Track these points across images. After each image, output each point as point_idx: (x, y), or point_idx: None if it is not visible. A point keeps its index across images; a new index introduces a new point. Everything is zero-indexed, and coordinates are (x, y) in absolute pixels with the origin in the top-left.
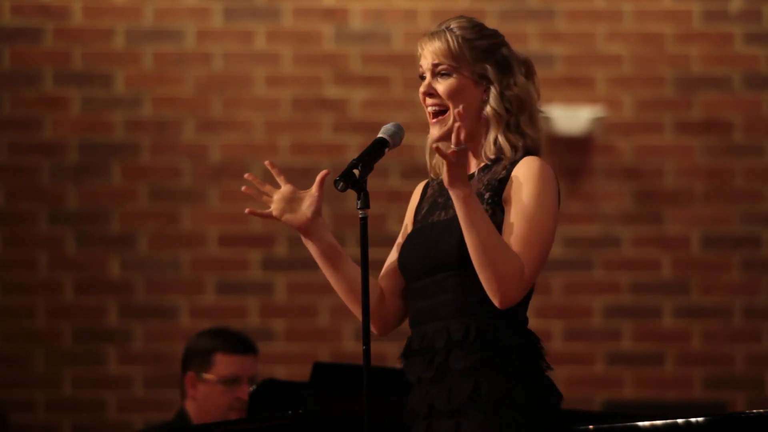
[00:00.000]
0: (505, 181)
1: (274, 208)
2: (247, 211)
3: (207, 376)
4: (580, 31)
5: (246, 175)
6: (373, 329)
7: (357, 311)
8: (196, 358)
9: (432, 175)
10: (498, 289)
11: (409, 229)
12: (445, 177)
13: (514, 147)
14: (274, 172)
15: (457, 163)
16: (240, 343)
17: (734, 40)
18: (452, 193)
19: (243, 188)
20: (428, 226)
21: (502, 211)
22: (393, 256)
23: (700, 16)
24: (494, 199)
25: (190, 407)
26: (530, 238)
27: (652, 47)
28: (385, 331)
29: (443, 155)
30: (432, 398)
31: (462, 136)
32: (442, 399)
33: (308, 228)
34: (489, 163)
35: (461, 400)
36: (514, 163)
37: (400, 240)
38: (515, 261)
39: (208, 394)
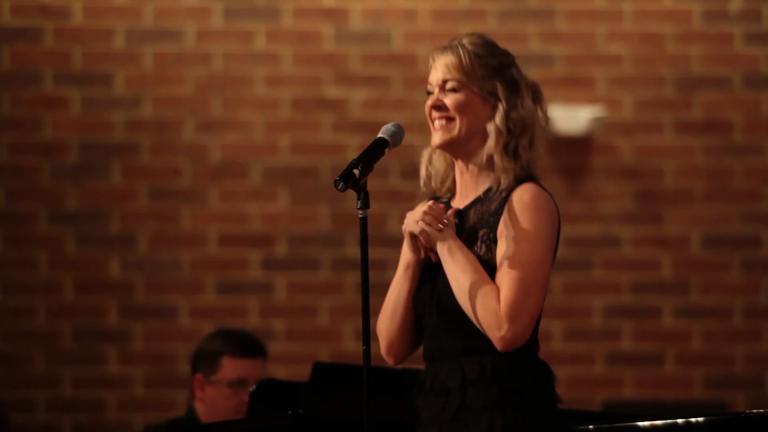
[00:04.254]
0: (499, 213)
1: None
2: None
3: (214, 378)
4: (580, 31)
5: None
6: (392, 359)
7: (395, 346)
8: (204, 360)
9: (423, 187)
10: (486, 333)
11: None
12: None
13: (506, 170)
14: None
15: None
16: (247, 347)
17: (734, 40)
18: (435, 244)
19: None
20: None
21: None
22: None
23: (700, 16)
24: (489, 235)
25: (199, 408)
26: (515, 272)
27: (652, 47)
28: (401, 362)
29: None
30: None
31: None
32: None
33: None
34: (489, 188)
35: None
36: (509, 191)
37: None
38: (491, 303)
39: (215, 396)
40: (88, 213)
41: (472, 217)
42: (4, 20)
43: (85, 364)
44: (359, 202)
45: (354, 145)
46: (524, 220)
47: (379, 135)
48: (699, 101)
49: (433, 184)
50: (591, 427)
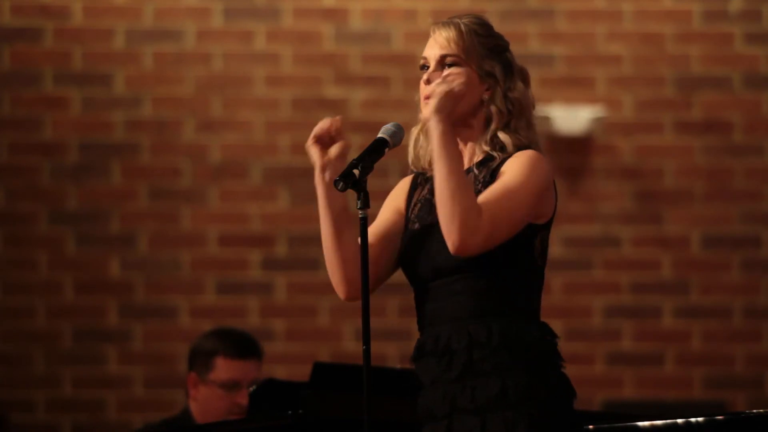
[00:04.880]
0: (497, 172)
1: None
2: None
3: (207, 378)
4: (580, 31)
5: (338, 117)
6: (340, 291)
7: (336, 276)
8: (199, 359)
9: (413, 167)
10: (455, 230)
11: (397, 203)
12: (432, 101)
13: (511, 144)
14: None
15: (450, 93)
16: (242, 347)
17: (734, 40)
18: (433, 121)
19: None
20: (428, 228)
21: None
22: (380, 222)
23: (700, 16)
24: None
25: (193, 407)
26: (496, 200)
27: (652, 47)
28: (353, 297)
29: (444, 83)
30: (453, 397)
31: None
32: (465, 397)
33: (326, 166)
34: (485, 157)
35: (487, 398)
36: (509, 157)
37: (387, 213)
38: (475, 208)
39: (207, 396)
40: (88, 213)
41: (471, 181)
42: (4, 20)
43: (85, 364)
44: (359, 202)
45: (354, 145)
46: (516, 167)
47: (379, 135)
48: (699, 101)
49: (421, 164)
50: (591, 427)
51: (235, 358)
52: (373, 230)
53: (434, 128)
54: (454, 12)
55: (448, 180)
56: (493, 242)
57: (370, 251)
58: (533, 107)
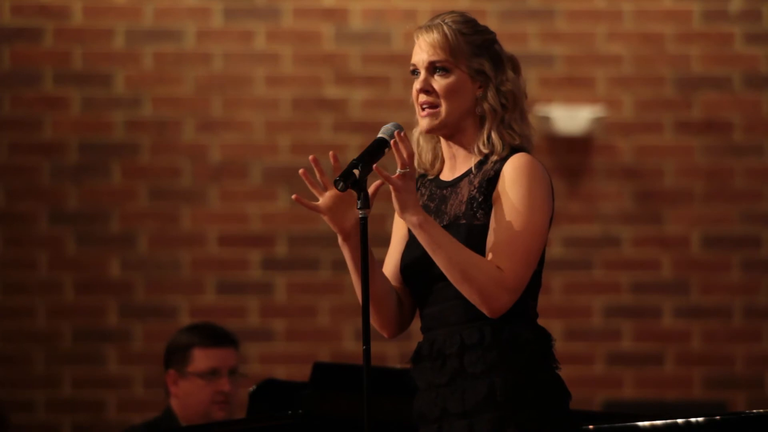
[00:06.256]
0: (494, 181)
1: (323, 202)
2: (294, 197)
3: (186, 371)
4: (580, 31)
5: (310, 157)
6: (384, 333)
7: (377, 321)
8: (175, 355)
9: (420, 169)
10: (483, 302)
11: (403, 231)
12: (395, 205)
13: (505, 143)
14: (335, 166)
15: (403, 188)
16: (216, 336)
17: (734, 40)
18: (406, 221)
19: (300, 171)
20: None
21: None
22: (391, 260)
23: (700, 16)
24: (486, 202)
25: (175, 404)
26: (514, 242)
27: (652, 47)
28: (396, 334)
29: (388, 180)
30: (444, 401)
31: (405, 157)
32: (455, 401)
33: (349, 234)
34: (482, 159)
35: (476, 401)
36: (502, 161)
37: (396, 245)
38: (491, 271)
39: (189, 390)
40: (88, 213)
41: (465, 188)
42: (4, 20)
43: (85, 364)
44: (359, 202)
45: (354, 145)
46: (519, 188)
47: (379, 135)
48: (699, 101)
49: (422, 166)
50: (591, 427)
51: (211, 346)
52: (392, 270)
53: (410, 224)
54: None
55: (453, 265)
56: (523, 286)
57: (398, 289)
58: (525, 96)
